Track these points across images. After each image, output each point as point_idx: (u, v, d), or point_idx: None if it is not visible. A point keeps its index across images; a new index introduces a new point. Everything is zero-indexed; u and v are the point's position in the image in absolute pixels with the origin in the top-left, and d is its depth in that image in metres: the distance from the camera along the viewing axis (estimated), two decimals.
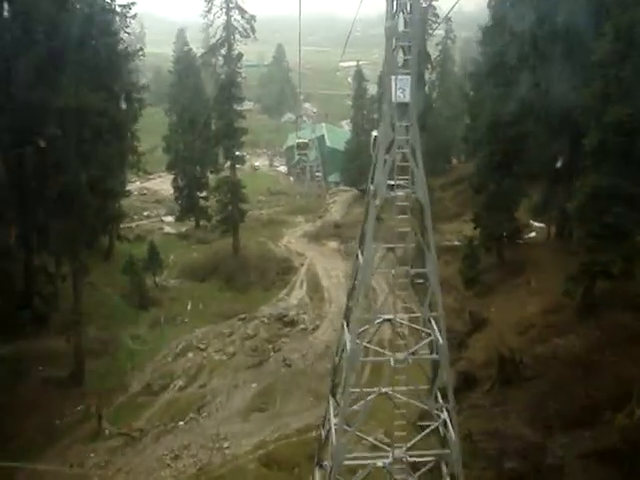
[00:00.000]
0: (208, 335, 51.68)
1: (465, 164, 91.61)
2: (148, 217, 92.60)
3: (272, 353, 48.97)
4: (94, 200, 45.20)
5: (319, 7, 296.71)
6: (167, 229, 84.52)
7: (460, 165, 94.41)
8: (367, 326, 22.27)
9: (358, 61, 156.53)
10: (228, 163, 65.65)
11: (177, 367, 47.06)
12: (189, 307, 56.98)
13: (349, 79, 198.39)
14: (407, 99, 19.79)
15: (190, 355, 48.73)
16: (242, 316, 54.63)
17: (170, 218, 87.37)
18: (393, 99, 19.66)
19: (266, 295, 59.33)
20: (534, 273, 47.08)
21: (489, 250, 50.47)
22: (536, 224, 59.79)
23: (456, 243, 59.51)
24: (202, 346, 49.75)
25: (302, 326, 52.79)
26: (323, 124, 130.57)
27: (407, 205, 20.73)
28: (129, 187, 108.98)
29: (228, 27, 60.49)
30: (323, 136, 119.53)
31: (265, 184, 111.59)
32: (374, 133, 24.07)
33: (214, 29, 61.05)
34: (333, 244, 69.51)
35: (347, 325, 23.60)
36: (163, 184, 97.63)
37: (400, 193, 20.66)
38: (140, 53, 65.11)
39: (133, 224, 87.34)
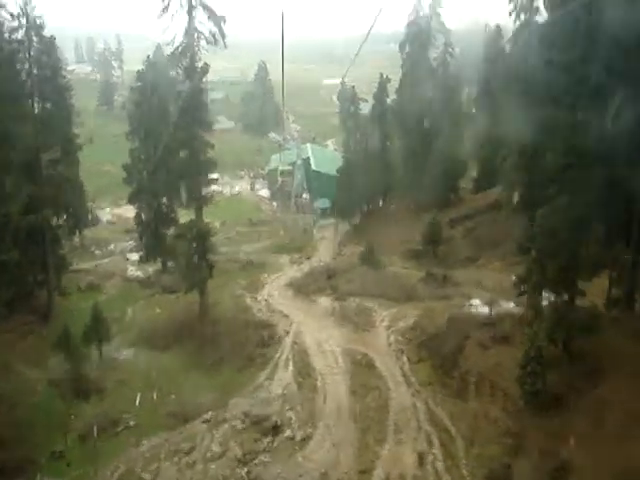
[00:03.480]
0: (159, 453, 34.61)
1: (476, 195, 75.43)
2: (112, 254, 76.46)
3: None
4: None
5: (298, 30, 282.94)
6: (130, 271, 68.35)
7: (469, 196, 77.81)
8: None
9: (343, 78, 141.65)
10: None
11: None
12: (138, 400, 40.14)
13: (333, 97, 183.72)
14: None
15: None
16: (208, 416, 37.74)
17: (136, 256, 70.71)
18: None
19: (241, 378, 42.40)
20: (621, 379, 30.43)
21: (554, 341, 32.98)
22: None
23: (485, 310, 42.80)
24: (147, 476, 32.84)
25: (288, 433, 35.76)
26: (308, 145, 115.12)
27: None
28: (98, 215, 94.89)
29: (190, 30, 43.61)
30: (308, 158, 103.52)
31: (245, 212, 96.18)
32: None
33: (172, 34, 43.84)
34: (325, 301, 52.32)
35: None
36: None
37: None
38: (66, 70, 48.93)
39: (94, 263, 71.23)
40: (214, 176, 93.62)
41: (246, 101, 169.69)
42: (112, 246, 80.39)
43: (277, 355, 44.28)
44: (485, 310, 43.00)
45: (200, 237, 47.23)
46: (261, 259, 69.85)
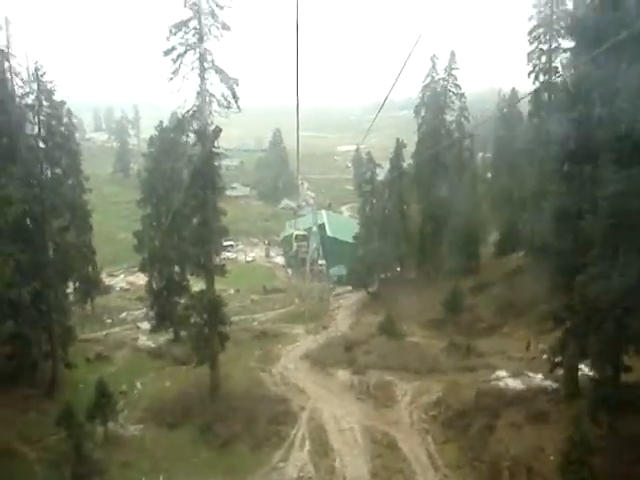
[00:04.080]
0: None
1: (497, 261, 72.61)
2: (123, 322, 73.92)
3: None
4: None
5: (313, 99, 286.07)
6: (141, 340, 65.60)
7: (490, 262, 74.87)
8: None
9: (359, 145, 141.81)
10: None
11: None
12: None
13: (348, 163, 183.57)
14: None
15: None
16: None
17: (147, 325, 68.29)
18: None
19: (254, 458, 39.18)
20: None
21: (597, 422, 29.58)
22: None
23: (518, 386, 39.57)
24: None
25: None
26: (323, 211, 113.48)
27: None
28: (111, 282, 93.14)
29: (202, 93, 41.83)
30: (323, 225, 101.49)
31: (259, 279, 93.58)
32: None
33: (184, 98, 41.97)
34: (343, 375, 49.30)
35: None
36: None
37: None
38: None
39: (104, 332, 68.65)
40: (228, 243, 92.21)
41: (261, 168, 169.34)
42: (124, 314, 78.09)
43: (293, 433, 41.25)
44: (515, 384, 39.83)
45: (211, 308, 44.61)
46: (276, 329, 67.18)
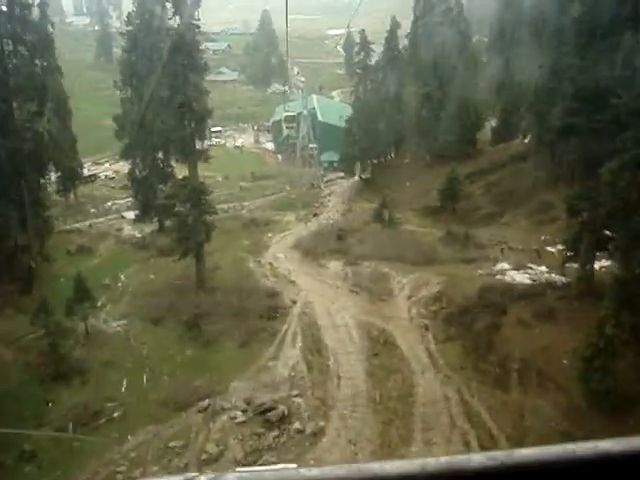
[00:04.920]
0: (145, 453, 28.78)
1: (495, 148, 68.26)
2: (108, 212, 70.13)
3: None
4: None
5: None
6: (127, 230, 62.37)
7: (488, 149, 70.20)
8: None
9: (349, 27, 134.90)
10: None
11: None
12: (125, 385, 34.10)
13: (339, 47, 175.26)
14: None
15: None
16: (204, 404, 31.87)
17: (132, 214, 64.50)
18: None
19: (242, 356, 36.36)
20: None
21: (620, 325, 25.87)
22: None
23: (525, 280, 36.29)
24: None
25: (297, 426, 29.87)
26: (314, 96, 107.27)
27: None
28: (96, 170, 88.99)
29: None
30: (314, 109, 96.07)
31: (249, 165, 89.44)
32: None
33: None
34: (336, 265, 45.96)
35: None
36: None
37: None
38: None
39: (88, 222, 64.96)
40: (217, 128, 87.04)
41: (249, 52, 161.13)
42: (109, 204, 74.19)
43: (284, 328, 38.34)
44: (520, 278, 36.58)
45: (195, 196, 40.62)
46: (265, 217, 63.63)
